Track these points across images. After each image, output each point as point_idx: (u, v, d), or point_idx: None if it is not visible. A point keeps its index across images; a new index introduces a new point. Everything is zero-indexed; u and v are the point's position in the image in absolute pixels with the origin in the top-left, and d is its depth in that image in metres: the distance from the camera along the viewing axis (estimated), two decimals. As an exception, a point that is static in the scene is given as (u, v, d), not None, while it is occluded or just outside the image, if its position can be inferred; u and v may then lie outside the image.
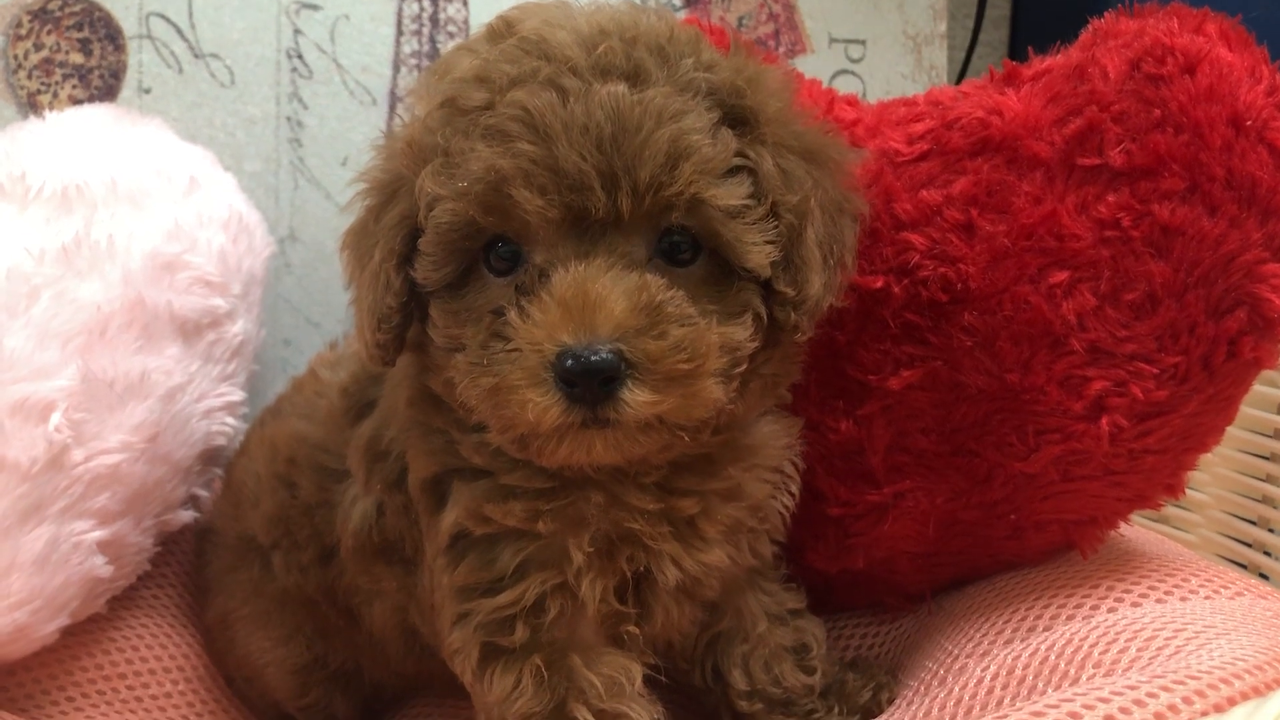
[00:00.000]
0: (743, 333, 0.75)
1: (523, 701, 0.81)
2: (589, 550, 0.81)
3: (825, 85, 1.50)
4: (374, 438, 0.91)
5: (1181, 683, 0.69)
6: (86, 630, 1.05)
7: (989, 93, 0.97)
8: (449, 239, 0.75)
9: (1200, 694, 0.69)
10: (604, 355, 0.69)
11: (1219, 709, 0.68)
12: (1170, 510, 1.35)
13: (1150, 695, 0.68)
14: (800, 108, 0.84)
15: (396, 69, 1.44)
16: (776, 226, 0.76)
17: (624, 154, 0.71)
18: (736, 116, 0.76)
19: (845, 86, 1.52)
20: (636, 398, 0.70)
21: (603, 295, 0.70)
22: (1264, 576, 1.23)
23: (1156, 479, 0.96)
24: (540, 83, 0.72)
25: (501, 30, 0.79)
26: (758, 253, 0.75)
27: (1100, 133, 0.90)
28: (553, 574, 0.82)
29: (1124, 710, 0.67)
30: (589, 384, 0.69)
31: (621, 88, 0.72)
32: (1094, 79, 0.91)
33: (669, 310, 0.71)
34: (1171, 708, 0.67)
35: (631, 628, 0.86)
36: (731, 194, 0.74)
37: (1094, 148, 0.90)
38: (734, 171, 0.75)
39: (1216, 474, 1.30)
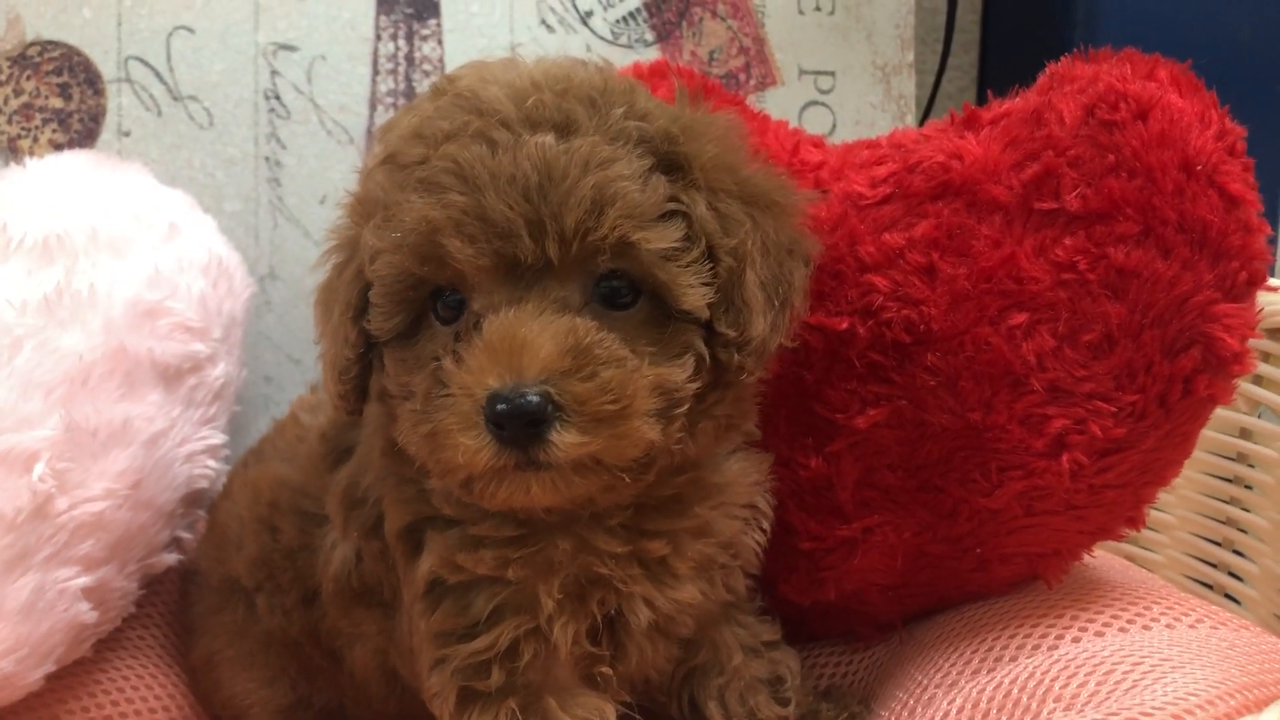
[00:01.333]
0: (680, 374, 0.77)
1: None
2: (559, 596, 0.83)
3: (796, 116, 1.54)
4: (351, 485, 0.93)
5: (1135, 720, 0.72)
6: (72, 674, 1.06)
7: (949, 136, 1.00)
8: (393, 290, 0.78)
9: (1154, 731, 0.71)
10: (530, 398, 0.70)
11: (1171, 744, 0.70)
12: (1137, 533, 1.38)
13: (1104, 733, 0.71)
14: (745, 153, 0.86)
15: (373, 108, 1.46)
16: (714, 269, 0.78)
17: (550, 202, 0.73)
18: (670, 163, 0.78)
19: (815, 117, 1.55)
20: (564, 439, 0.71)
21: (529, 339, 0.72)
22: (1230, 597, 1.26)
23: (1118, 512, 0.99)
24: (471, 136, 0.75)
25: (442, 88, 0.81)
26: (694, 294, 0.77)
27: (1057, 177, 0.92)
28: (525, 619, 0.84)
29: (1079, 749, 0.69)
30: (517, 426, 0.71)
31: (549, 138, 0.74)
32: (1051, 124, 0.94)
33: (597, 352, 0.73)
34: (1125, 745, 0.70)
35: (605, 668, 0.88)
36: (663, 237, 0.75)
37: (1051, 192, 0.92)
38: (668, 216, 0.76)
39: (1182, 496, 1.32)
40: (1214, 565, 1.29)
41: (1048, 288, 0.92)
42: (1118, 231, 0.90)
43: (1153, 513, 1.20)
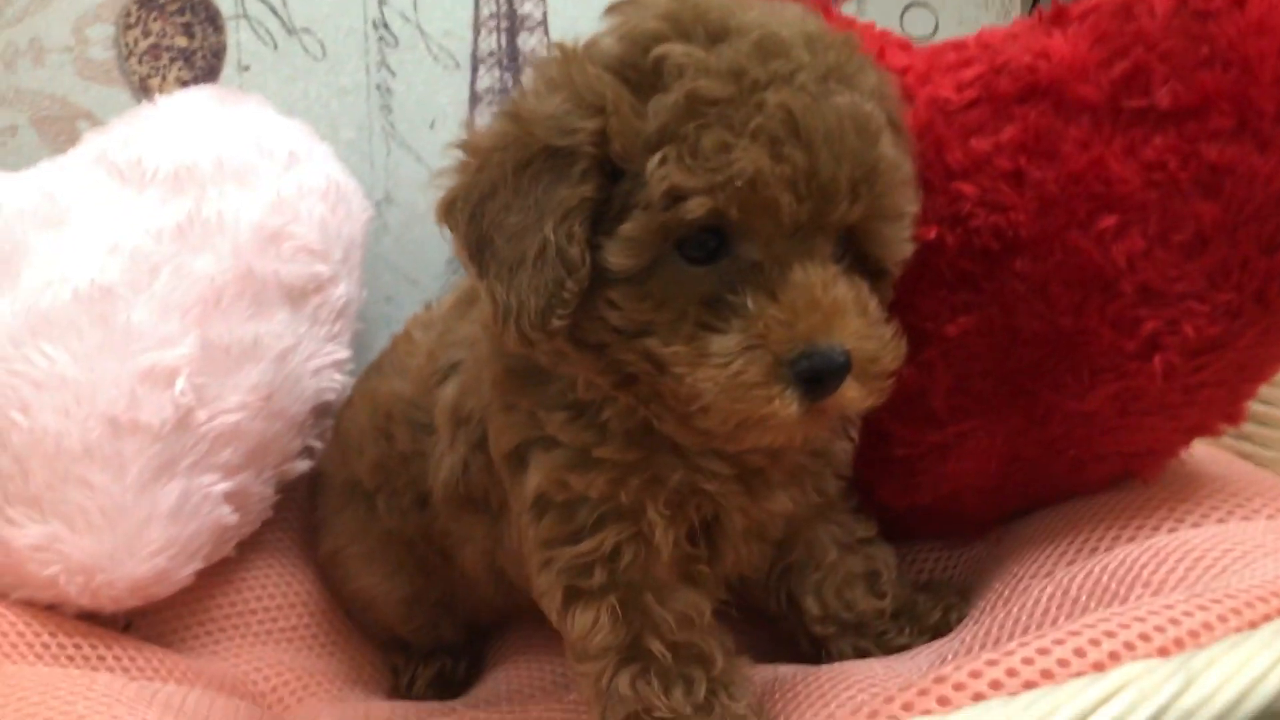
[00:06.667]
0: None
1: (601, 636, 0.88)
2: (664, 511, 0.86)
3: (898, 18, 1.52)
4: (457, 404, 0.97)
5: (1218, 601, 0.72)
6: (219, 572, 1.16)
7: (1037, 34, 0.98)
8: (677, 230, 0.75)
9: (1236, 611, 0.71)
10: (840, 358, 0.74)
11: (1253, 625, 0.70)
12: (1251, 429, 1.35)
13: (1185, 614, 0.71)
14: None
15: (476, 32, 1.49)
16: None
17: (864, 164, 0.75)
18: (894, 125, 0.80)
19: (916, 19, 1.52)
20: (850, 393, 0.76)
21: (842, 302, 0.75)
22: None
23: (1214, 410, 0.98)
24: (795, 88, 0.74)
25: (722, 26, 0.75)
26: (903, 249, 0.82)
27: (1147, 73, 0.90)
28: (627, 526, 0.87)
29: (1158, 629, 0.70)
30: (830, 383, 0.74)
31: (854, 97, 0.75)
32: (1141, 16, 0.91)
33: (875, 314, 0.78)
34: (1206, 625, 0.70)
35: (703, 567, 0.92)
36: (914, 202, 0.81)
37: (1140, 89, 0.90)
38: None
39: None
40: (1330, 464, 1.26)
41: (1137, 189, 0.90)
42: (1211, 127, 0.88)
43: (1265, 409, 1.18)
